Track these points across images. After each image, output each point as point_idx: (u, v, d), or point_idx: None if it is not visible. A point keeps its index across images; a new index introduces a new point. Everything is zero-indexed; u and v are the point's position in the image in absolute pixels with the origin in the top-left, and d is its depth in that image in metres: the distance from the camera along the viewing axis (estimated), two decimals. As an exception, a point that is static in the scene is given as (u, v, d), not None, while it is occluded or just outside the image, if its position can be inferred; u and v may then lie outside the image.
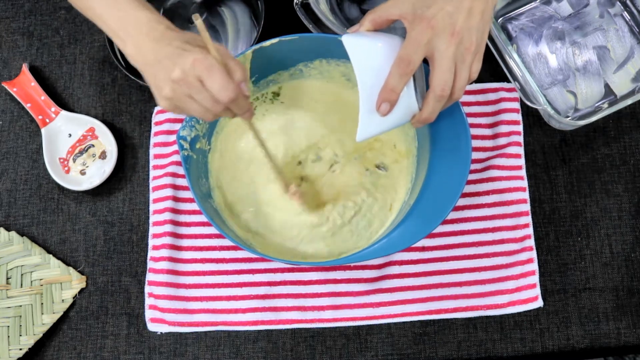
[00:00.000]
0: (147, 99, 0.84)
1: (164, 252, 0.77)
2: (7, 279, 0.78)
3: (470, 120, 0.81)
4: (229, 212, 0.75)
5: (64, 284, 0.78)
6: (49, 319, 0.76)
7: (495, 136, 0.81)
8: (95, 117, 0.83)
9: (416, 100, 0.62)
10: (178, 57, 0.57)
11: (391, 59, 0.59)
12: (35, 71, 0.85)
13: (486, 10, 0.59)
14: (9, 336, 0.76)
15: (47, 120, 0.82)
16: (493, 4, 0.60)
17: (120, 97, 0.85)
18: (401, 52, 0.58)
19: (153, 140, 0.82)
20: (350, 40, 0.61)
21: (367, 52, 0.60)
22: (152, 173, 0.81)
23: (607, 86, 0.81)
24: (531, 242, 0.77)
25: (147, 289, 0.77)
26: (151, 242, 0.78)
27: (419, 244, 0.77)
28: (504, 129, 0.80)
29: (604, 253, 0.78)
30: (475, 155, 0.80)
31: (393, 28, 0.78)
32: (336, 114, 0.79)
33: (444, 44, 0.57)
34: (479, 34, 0.59)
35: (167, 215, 0.78)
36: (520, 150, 0.80)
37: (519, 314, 0.76)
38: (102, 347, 0.76)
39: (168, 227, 0.77)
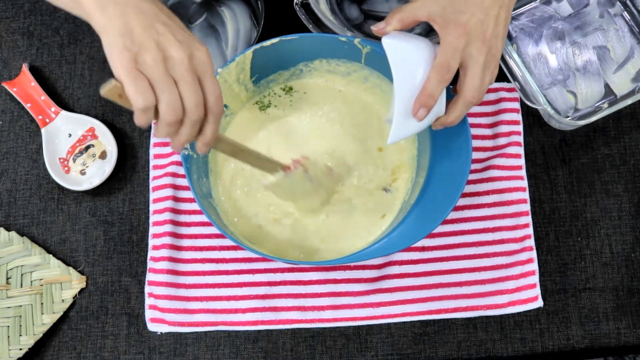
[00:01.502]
0: (147, 99, 0.84)
1: (164, 252, 0.77)
2: (7, 279, 0.78)
3: (470, 120, 0.81)
4: (233, 209, 0.75)
5: (64, 284, 0.78)
6: (49, 319, 0.76)
7: (495, 136, 0.81)
8: (95, 117, 0.83)
9: (444, 105, 0.63)
10: (180, 36, 0.53)
11: (425, 63, 0.60)
12: (35, 71, 0.85)
13: (507, 17, 0.61)
14: (9, 336, 0.76)
15: (47, 120, 0.82)
16: (511, 11, 0.62)
17: (120, 97, 0.85)
18: (439, 58, 0.59)
19: (153, 140, 0.82)
20: (390, 44, 0.61)
21: (405, 56, 0.61)
22: (152, 173, 0.81)
23: (607, 86, 0.81)
24: (531, 242, 0.77)
25: (147, 289, 0.77)
26: (151, 242, 0.78)
27: (419, 244, 0.77)
28: (504, 129, 0.80)
29: (604, 253, 0.78)
30: (475, 155, 0.80)
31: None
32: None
33: (477, 51, 0.59)
34: (502, 41, 0.61)
35: (167, 215, 0.78)
36: (520, 150, 0.80)
37: (519, 314, 0.76)
38: (102, 347, 0.76)
39: (168, 227, 0.77)
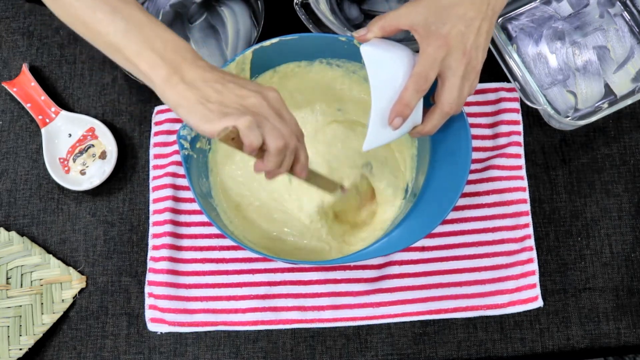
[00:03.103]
0: (147, 99, 0.84)
1: (164, 252, 0.77)
2: (7, 279, 0.78)
3: (470, 120, 0.81)
4: (233, 210, 0.75)
5: (64, 284, 0.78)
6: (49, 319, 0.76)
7: (495, 136, 0.81)
8: (95, 117, 0.83)
9: (421, 114, 0.63)
10: (249, 87, 0.56)
11: (404, 72, 0.60)
12: (35, 71, 0.85)
13: (490, 29, 0.61)
14: (9, 336, 0.76)
15: (47, 120, 0.82)
16: (494, 23, 0.62)
17: (120, 97, 0.85)
18: (418, 68, 0.59)
19: (153, 140, 0.82)
20: (369, 51, 0.61)
21: (383, 64, 0.61)
22: (152, 173, 0.81)
23: (607, 86, 0.81)
24: (531, 242, 0.77)
25: (147, 289, 0.77)
26: (151, 242, 0.78)
27: (419, 243, 0.77)
28: (504, 128, 0.80)
29: (604, 253, 0.78)
30: (475, 155, 0.80)
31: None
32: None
33: (456, 62, 0.59)
34: (483, 53, 0.61)
35: (167, 215, 0.78)
36: (520, 150, 0.80)
37: (519, 314, 0.76)
38: (102, 347, 0.76)
39: (168, 227, 0.77)
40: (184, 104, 0.55)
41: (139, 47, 0.56)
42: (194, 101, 0.54)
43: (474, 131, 0.81)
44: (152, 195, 0.80)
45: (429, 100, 0.64)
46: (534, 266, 0.76)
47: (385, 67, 0.61)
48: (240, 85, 0.56)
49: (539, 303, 0.75)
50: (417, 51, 0.61)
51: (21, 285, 0.78)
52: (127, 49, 0.57)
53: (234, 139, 0.54)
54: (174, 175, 0.80)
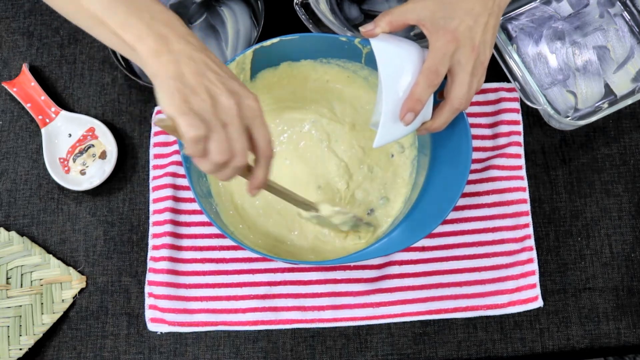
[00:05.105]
0: (147, 99, 0.84)
1: (164, 252, 0.77)
2: (7, 279, 0.78)
3: (470, 120, 0.81)
4: (234, 210, 0.75)
5: (64, 284, 0.78)
6: (49, 319, 0.76)
7: (495, 136, 0.81)
8: (95, 117, 0.83)
9: (431, 110, 0.63)
10: (230, 84, 0.54)
11: (414, 67, 0.60)
12: (35, 71, 0.85)
13: (496, 26, 0.61)
14: (9, 336, 0.76)
15: (47, 120, 0.82)
16: (500, 19, 0.62)
17: (120, 97, 0.85)
18: (428, 63, 0.59)
19: (153, 140, 0.82)
20: (380, 46, 0.61)
21: (394, 59, 0.60)
22: (152, 173, 0.81)
23: (607, 86, 0.81)
24: (531, 242, 0.77)
25: (147, 289, 0.77)
26: (151, 242, 0.78)
27: (419, 244, 0.77)
28: (504, 129, 0.80)
29: (604, 253, 0.78)
30: (475, 155, 0.80)
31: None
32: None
33: (465, 57, 0.59)
34: (490, 49, 0.61)
35: (167, 215, 0.78)
36: (520, 150, 0.80)
37: (519, 314, 0.76)
38: (102, 347, 0.76)
39: (168, 227, 0.77)
40: (161, 74, 0.52)
41: (124, 17, 0.53)
42: (170, 75, 0.52)
43: (474, 131, 0.81)
44: (152, 195, 0.80)
45: (436, 97, 0.64)
46: (534, 266, 0.76)
47: (395, 62, 0.60)
48: (220, 79, 0.53)
49: (539, 303, 0.75)
50: (426, 47, 0.61)
51: (21, 285, 0.78)
52: (112, 19, 0.53)
53: (176, 130, 0.52)
54: (174, 175, 0.80)
